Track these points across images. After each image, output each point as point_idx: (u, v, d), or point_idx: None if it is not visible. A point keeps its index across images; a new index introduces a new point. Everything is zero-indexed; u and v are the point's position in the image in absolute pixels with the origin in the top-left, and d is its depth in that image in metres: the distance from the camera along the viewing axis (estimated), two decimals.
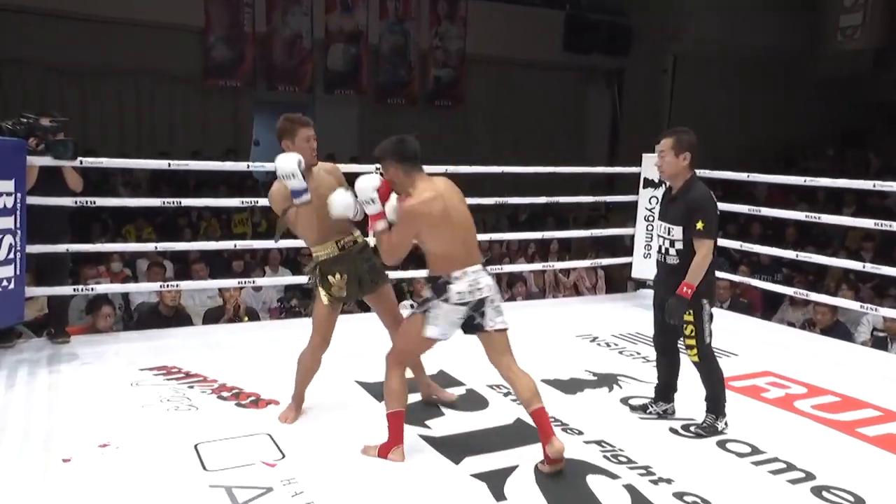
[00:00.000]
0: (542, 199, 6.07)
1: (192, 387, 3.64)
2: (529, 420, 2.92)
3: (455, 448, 3.03)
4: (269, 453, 2.92)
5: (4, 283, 3.78)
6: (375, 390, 3.61)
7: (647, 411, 3.48)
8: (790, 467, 3.01)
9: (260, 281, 5.72)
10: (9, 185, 3.75)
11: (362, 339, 4.59)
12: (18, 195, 3.81)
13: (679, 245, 3.17)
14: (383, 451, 2.96)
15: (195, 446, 2.94)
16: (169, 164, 4.82)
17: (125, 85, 10.97)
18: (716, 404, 3.29)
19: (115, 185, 9.64)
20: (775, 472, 2.96)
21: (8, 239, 3.77)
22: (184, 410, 3.35)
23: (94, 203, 4.44)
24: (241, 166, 5.39)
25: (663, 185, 4.13)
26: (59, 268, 4.41)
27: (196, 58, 11.19)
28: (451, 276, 2.84)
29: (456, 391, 3.66)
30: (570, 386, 3.84)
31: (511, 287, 6.95)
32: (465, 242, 2.90)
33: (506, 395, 3.65)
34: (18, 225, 3.83)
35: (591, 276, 7.61)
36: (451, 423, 3.32)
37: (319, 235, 3.18)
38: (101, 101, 10.81)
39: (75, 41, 10.12)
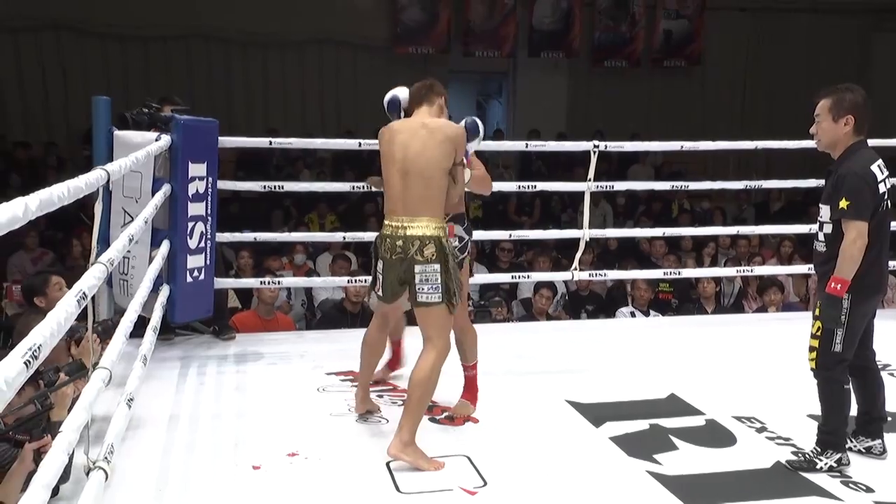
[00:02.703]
0: (809, 183, 5.69)
1: (381, 396, 3.89)
2: None
3: (696, 492, 2.97)
4: (469, 479, 3.05)
5: (196, 272, 4.31)
6: (591, 412, 3.68)
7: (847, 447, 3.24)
8: None
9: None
10: (201, 169, 4.27)
11: (572, 352, 4.67)
12: (210, 179, 4.33)
13: (827, 228, 3.14)
14: (474, 398, 3.69)
15: (387, 464, 3.15)
16: (360, 144, 5.18)
17: (307, 56, 11.91)
18: (828, 436, 3.12)
19: (299, 168, 10.51)
20: None
21: (199, 226, 4.30)
22: (374, 423, 3.60)
23: (282, 188, 4.93)
24: None
25: None
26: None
27: (384, 23, 11.86)
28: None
29: (693, 421, 3.61)
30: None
31: (762, 294, 6.59)
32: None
33: (759, 430, 3.50)
34: (209, 211, 4.35)
35: None
36: (688, 459, 3.25)
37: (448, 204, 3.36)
38: (282, 74, 11.83)
39: (253, 9, 11.15)
